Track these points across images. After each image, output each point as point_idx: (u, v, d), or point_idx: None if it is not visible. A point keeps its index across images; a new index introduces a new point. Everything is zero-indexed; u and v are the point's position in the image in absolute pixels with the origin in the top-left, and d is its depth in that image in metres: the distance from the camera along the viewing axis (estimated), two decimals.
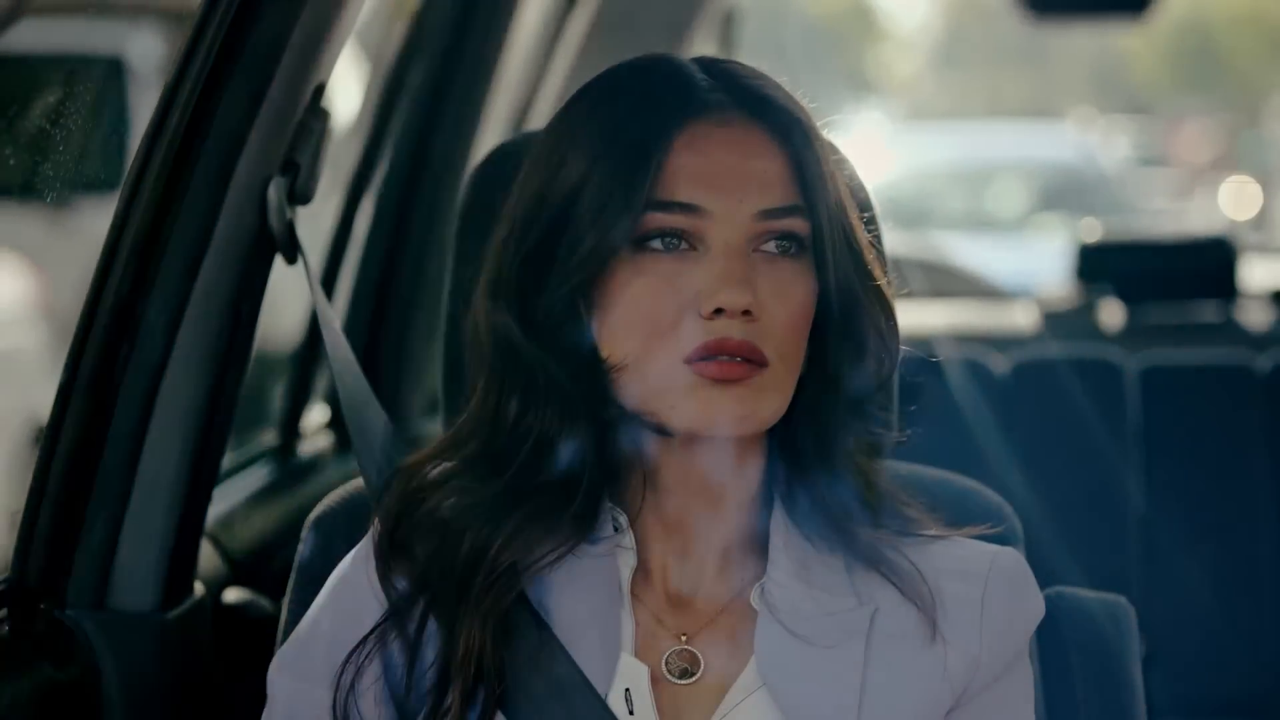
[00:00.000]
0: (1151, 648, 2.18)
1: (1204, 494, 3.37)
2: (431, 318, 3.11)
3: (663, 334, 1.49)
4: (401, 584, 1.55)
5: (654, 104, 1.53)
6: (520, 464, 1.54)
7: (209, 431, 2.05)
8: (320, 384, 3.09)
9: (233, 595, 2.30)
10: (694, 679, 1.54)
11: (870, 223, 1.63)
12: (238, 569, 2.39)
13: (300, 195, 2.05)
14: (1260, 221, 18.15)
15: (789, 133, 1.54)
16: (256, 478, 2.83)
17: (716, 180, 1.51)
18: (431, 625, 1.53)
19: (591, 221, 1.50)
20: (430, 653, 1.53)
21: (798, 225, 1.53)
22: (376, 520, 1.59)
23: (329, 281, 3.05)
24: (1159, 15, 4.59)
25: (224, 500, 2.54)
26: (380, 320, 3.14)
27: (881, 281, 1.58)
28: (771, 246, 1.52)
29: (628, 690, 1.52)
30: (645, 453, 1.55)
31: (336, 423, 3.09)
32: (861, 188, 1.69)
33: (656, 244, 1.51)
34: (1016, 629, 1.58)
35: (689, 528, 1.56)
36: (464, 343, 1.63)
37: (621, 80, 1.56)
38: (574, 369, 1.52)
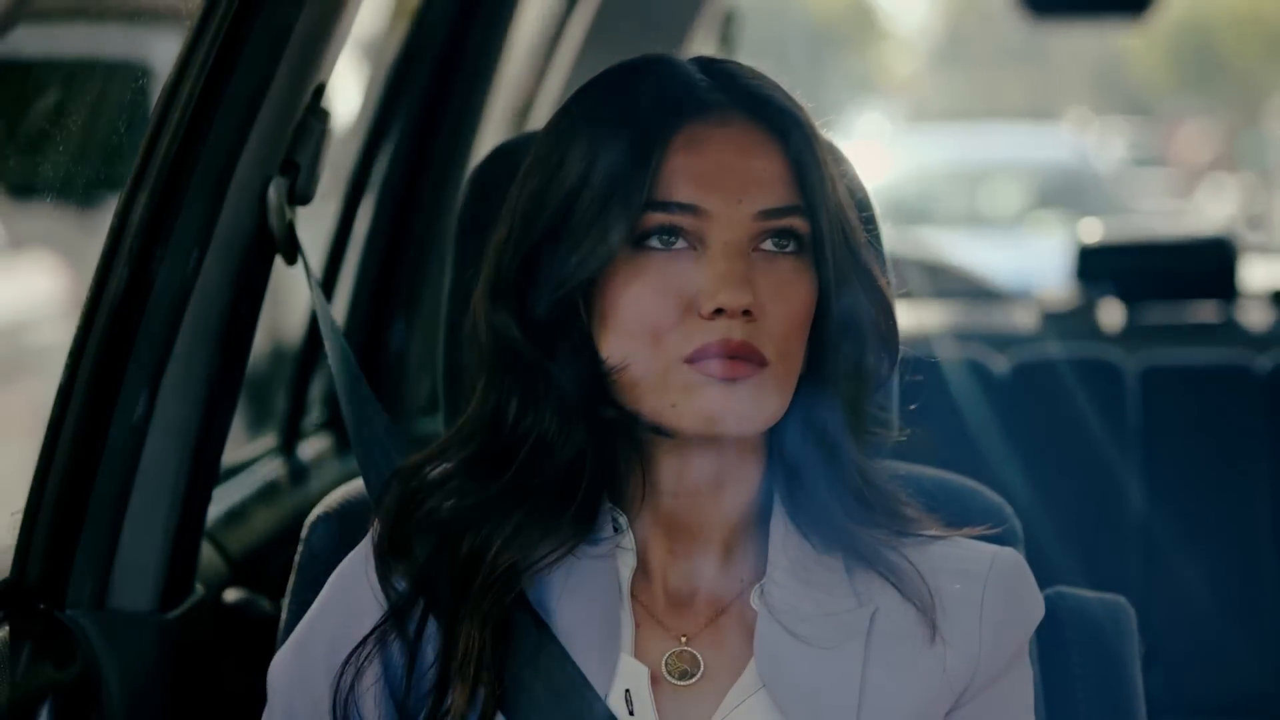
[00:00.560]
0: (1151, 648, 2.17)
1: (1204, 494, 3.37)
2: (431, 318, 3.11)
3: (662, 334, 1.49)
4: (401, 584, 1.55)
5: (653, 104, 1.53)
6: (519, 465, 1.54)
7: (209, 431, 2.05)
8: (320, 384, 3.09)
9: (233, 595, 2.30)
10: (693, 680, 1.54)
11: (869, 223, 1.63)
12: (238, 569, 2.39)
13: (300, 195, 2.05)
14: (1259, 221, 18.19)
15: (788, 133, 1.54)
16: (256, 478, 2.83)
17: (716, 180, 1.51)
18: (431, 626, 1.54)
19: (591, 221, 1.50)
20: (430, 653, 1.53)
21: (797, 225, 1.53)
22: (376, 521, 1.59)
23: (329, 281, 3.05)
24: (1159, 15, 4.59)
25: (224, 500, 2.54)
26: (380, 320, 3.14)
27: (881, 281, 1.58)
28: (770, 246, 1.52)
29: (628, 691, 1.53)
30: (644, 453, 1.55)
31: (336, 423, 3.09)
32: (861, 188, 1.69)
33: (655, 243, 1.51)
34: (1016, 629, 1.58)
35: (688, 528, 1.56)
36: (464, 343, 1.63)
37: (621, 80, 1.56)
38: (573, 369, 1.52)
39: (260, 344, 2.16)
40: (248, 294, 2.06)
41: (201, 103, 1.93)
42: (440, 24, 3.13)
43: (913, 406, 1.75)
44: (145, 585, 2.02)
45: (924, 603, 1.55)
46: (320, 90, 2.07)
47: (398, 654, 1.54)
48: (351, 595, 1.57)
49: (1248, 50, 27.80)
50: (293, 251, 2.03)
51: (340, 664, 1.54)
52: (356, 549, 1.60)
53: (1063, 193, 10.59)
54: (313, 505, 1.81)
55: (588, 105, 1.56)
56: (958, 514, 1.65)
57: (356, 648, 1.54)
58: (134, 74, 1.87)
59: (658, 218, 1.50)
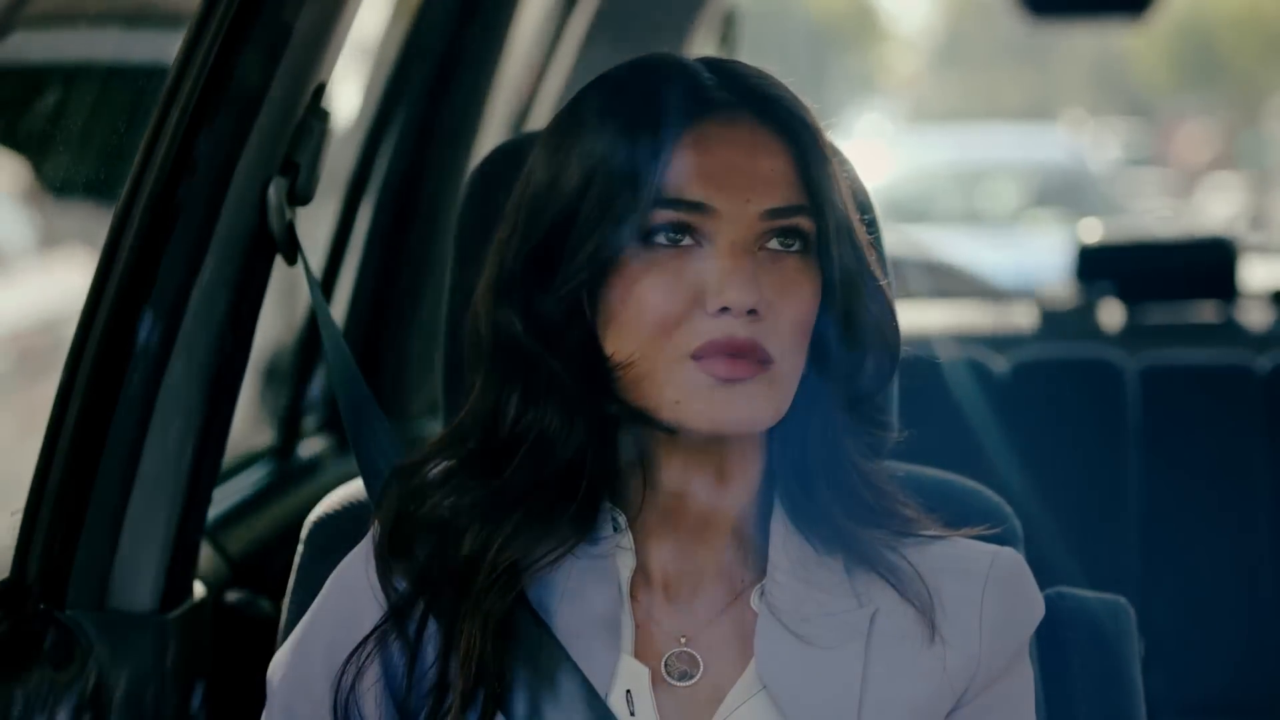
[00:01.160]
0: (1151, 648, 2.17)
1: (1204, 494, 3.37)
2: (431, 318, 3.11)
3: (669, 331, 1.49)
4: (401, 584, 1.55)
5: (661, 102, 1.53)
6: (520, 463, 1.54)
7: (209, 431, 2.05)
8: (319, 384, 3.09)
9: (233, 595, 2.30)
10: (693, 681, 1.54)
11: (870, 224, 1.63)
12: (238, 569, 2.39)
13: (300, 195, 2.05)
14: (1258, 221, 18.23)
15: (795, 132, 1.54)
16: (256, 478, 2.83)
17: (724, 179, 1.51)
18: (431, 626, 1.53)
19: (599, 219, 1.50)
20: (430, 653, 1.53)
21: (803, 224, 1.53)
22: (375, 521, 1.59)
23: (329, 281, 3.05)
24: (1159, 15, 4.59)
25: (224, 500, 2.54)
26: (380, 320, 3.14)
27: (883, 282, 1.58)
28: (776, 245, 1.52)
29: (629, 692, 1.52)
30: (646, 452, 1.55)
31: (336, 423, 3.09)
32: (861, 188, 1.69)
33: (663, 240, 1.51)
34: (1016, 629, 1.58)
35: (689, 528, 1.56)
36: (464, 342, 1.63)
37: (627, 79, 1.56)
38: (577, 366, 1.52)
39: (260, 344, 2.15)
40: (248, 294, 2.06)
41: (201, 103, 1.93)
42: (440, 24, 3.13)
43: (913, 406, 1.75)
44: (145, 585, 2.02)
45: (923, 603, 1.55)
46: (320, 90, 2.07)
47: (398, 654, 1.54)
48: (351, 595, 1.57)
49: (1247, 50, 27.80)
50: (293, 251, 2.03)
51: (340, 664, 1.54)
52: (356, 549, 1.60)
53: (1057, 192, 10.83)
54: (313, 505, 1.81)
55: (595, 103, 1.55)
56: (958, 514, 1.65)
57: (357, 648, 1.54)
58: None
59: (666, 215, 1.50)
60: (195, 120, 1.94)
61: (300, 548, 1.78)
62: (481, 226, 1.79)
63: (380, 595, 1.55)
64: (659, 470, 1.55)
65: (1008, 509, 1.81)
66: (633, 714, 1.52)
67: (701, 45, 4.15)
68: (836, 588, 1.56)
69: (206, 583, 2.17)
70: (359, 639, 1.54)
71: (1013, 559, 1.59)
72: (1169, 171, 24.19)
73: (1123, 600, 1.83)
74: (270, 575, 2.33)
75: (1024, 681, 1.59)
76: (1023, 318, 4.39)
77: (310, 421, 3.11)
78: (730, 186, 1.51)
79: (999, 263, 7.54)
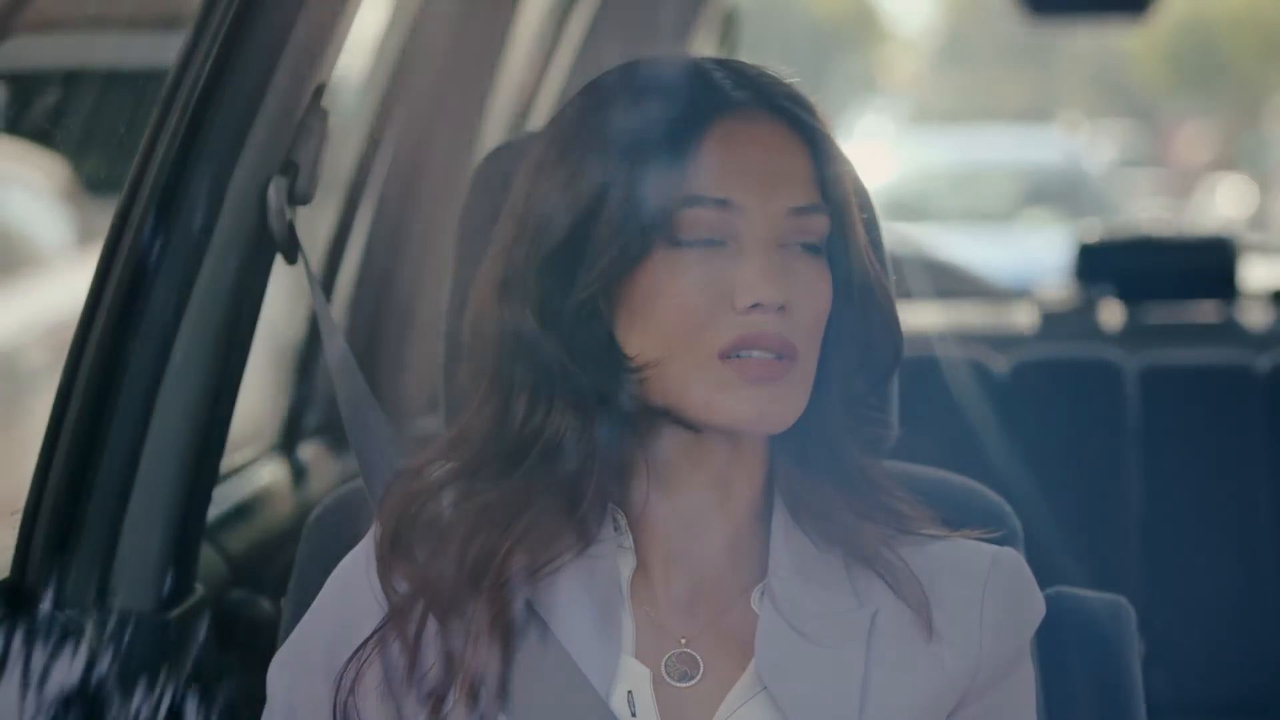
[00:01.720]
0: (1151, 647, 2.17)
1: (1204, 494, 3.37)
2: (431, 318, 3.11)
3: (696, 329, 1.49)
4: (402, 585, 1.54)
5: (685, 100, 1.52)
6: (529, 465, 1.53)
7: (209, 431, 2.05)
8: (320, 384, 3.09)
9: (233, 595, 2.30)
10: (693, 682, 1.54)
11: (870, 224, 1.63)
12: (238, 569, 2.39)
13: (300, 195, 2.05)
14: (1258, 221, 18.28)
15: (811, 131, 1.55)
16: (256, 478, 2.83)
17: (749, 177, 1.51)
18: (432, 626, 1.53)
19: (624, 218, 1.50)
20: (431, 654, 1.52)
21: (821, 224, 1.53)
22: (377, 521, 1.58)
23: (329, 281, 3.05)
24: (1159, 16, 4.59)
25: (224, 500, 2.54)
26: (380, 320, 3.14)
27: (887, 282, 1.59)
28: (795, 243, 1.52)
29: (630, 693, 1.52)
30: (653, 451, 1.54)
31: (336, 423, 3.09)
32: (863, 188, 1.69)
33: (688, 239, 1.51)
34: (1016, 630, 1.57)
35: (691, 528, 1.56)
36: (463, 342, 1.62)
37: (642, 77, 1.56)
38: (594, 367, 1.51)
39: (260, 343, 2.15)
40: (248, 294, 2.06)
41: (201, 103, 1.93)
42: (440, 24, 3.13)
43: (913, 406, 1.75)
44: (145, 585, 2.02)
45: (919, 604, 1.55)
46: (320, 90, 2.07)
47: (398, 655, 1.53)
48: (351, 596, 1.57)
49: (1247, 51, 27.80)
50: (293, 251, 2.03)
51: (340, 665, 1.54)
52: (356, 549, 1.59)
53: (1052, 192, 11.12)
54: (313, 505, 1.81)
55: (607, 102, 1.55)
56: (957, 513, 1.64)
57: (358, 649, 1.54)
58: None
59: (694, 213, 1.50)
60: (195, 120, 1.94)
61: (300, 547, 1.78)
62: (482, 226, 1.79)
63: (381, 596, 1.55)
64: (666, 470, 1.55)
65: (1007, 509, 1.81)
66: (634, 715, 1.52)
67: (701, 45, 4.16)
68: (837, 586, 1.56)
69: (206, 582, 2.17)
70: (359, 640, 1.54)
71: (1013, 559, 1.59)
72: (1166, 172, 24.22)
73: (1123, 600, 1.83)
74: (270, 575, 2.33)
75: (1025, 683, 1.59)
76: (1023, 318, 4.39)
77: (310, 421, 3.11)
78: (756, 185, 1.51)
79: (995, 260, 7.75)
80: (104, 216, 1.94)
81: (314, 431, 3.11)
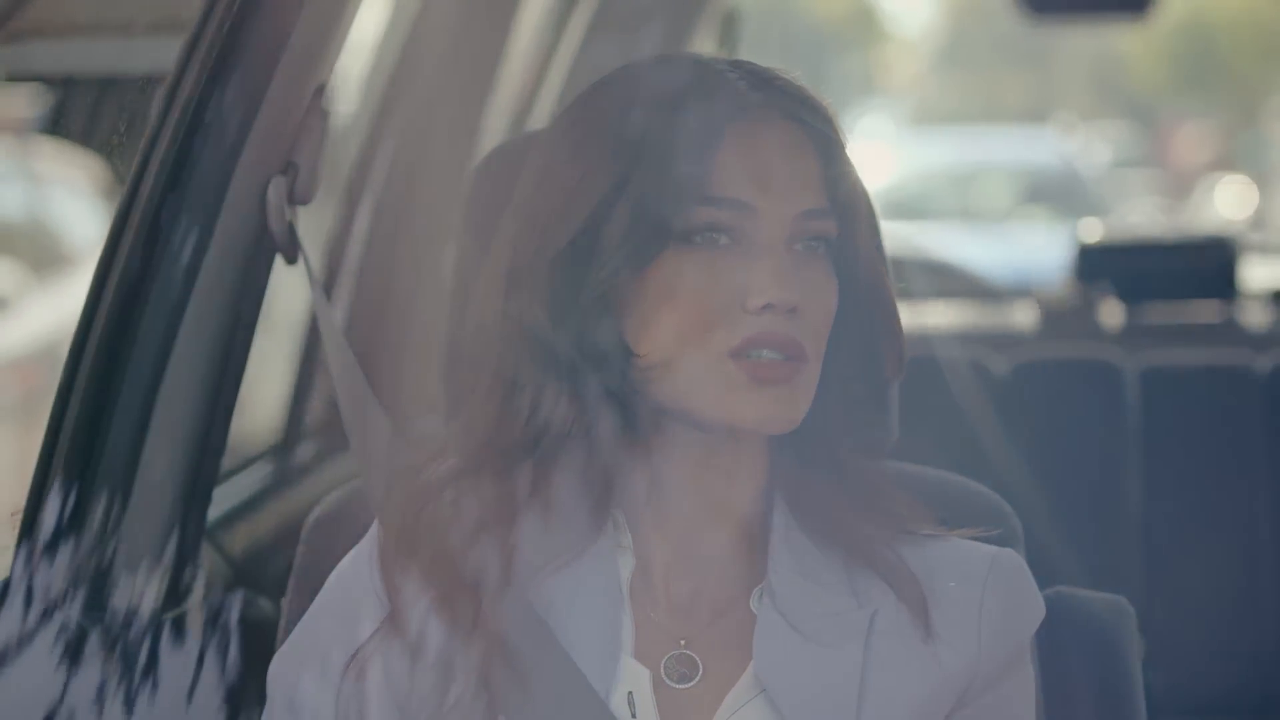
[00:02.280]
0: (1151, 647, 2.17)
1: (1204, 494, 3.37)
2: (431, 318, 3.11)
3: (706, 329, 1.49)
4: (404, 584, 1.54)
5: (700, 102, 1.52)
6: (534, 464, 1.53)
7: (209, 431, 2.05)
8: (320, 383, 3.09)
9: (233, 595, 2.30)
10: (692, 683, 1.54)
11: (873, 227, 1.63)
12: (238, 569, 2.39)
13: (300, 195, 2.05)
14: (1257, 221, 18.34)
15: (822, 135, 1.55)
16: (256, 478, 2.83)
17: (763, 178, 1.51)
18: (433, 625, 1.53)
19: (639, 217, 1.49)
20: (431, 654, 1.53)
21: (830, 228, 1.53)
22: (378, 520, 1.58)
23: (329, 281, 3.05)
24: (1158, 16, 4.59)
25: (224, 500, 2.54)
26: (380, 320, 3.14)
27: (890, 284, 1.59)
28: (802, 247, 1.52)
29: (630, 694, 1.52)
30: (657, 451, 1.54)
31: (336, 423, 3.09)
32: (866, 191, 1.69)
33: (699, 239, 1.51)
34: (1016, 631, 1.57)
35: (691, 528, 1.56)
36: (464, 342, 1.62)
37: (656, 76, 1.56)
38: (602, 364, 1.51)
39: (260, 343, 2.15)
40: (248, 294, 2.06)
41: (201, 103, 1.93)
42: (440, 24, 3.13)
43: (913, 406, 1.75)
44: (145, 585, 2.02)
45: (918, 604, 1.54)
46: (320, 90, 2.07)
47: (399, 654, 1.53)
48: (352, 595, 1.57)
49: (1246, 52, 27.82)
50: (293, 251, 2.03)
51: (342, 664, 1.54)
52: (357, 548, 1.59)
53: (1046, 192, 11.55)
54: (312, 505, 1.81)
55: (625, 98, 1.54)
56: (957, 513, 1.64)
57: (359, 648, 1.54)
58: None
59: (708, 214, 1.50)
60: (195, 120, 1.94)
61: (300, 548, 1.78)
62: (481, 226, 1.79)
63: (381, 595, 1.55)
64: (667, 470, 1.55)
65: (1007, 508, 1.81)
66: (634, 716, 1.52)
67: (701, 45, 4.16)
68: (836, 586, 1.55)
69: (207, 582, 2.17)
70: (360, 639, 1.54)
71: (1013, 560, 1.59)
72: (1162, 172, 24.28)
73: (1123, 600, 1.83)
74: (270, 575, 2.33)
75: (1025, 685, 1.59)
76: (1023, 318, 4.39)
77: (310, 421, 3.11)
78: (769, 186, 1.51)
79: (992, 258, 8.03)
80: None
81: (314, 431, 3.11)
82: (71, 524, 1.96)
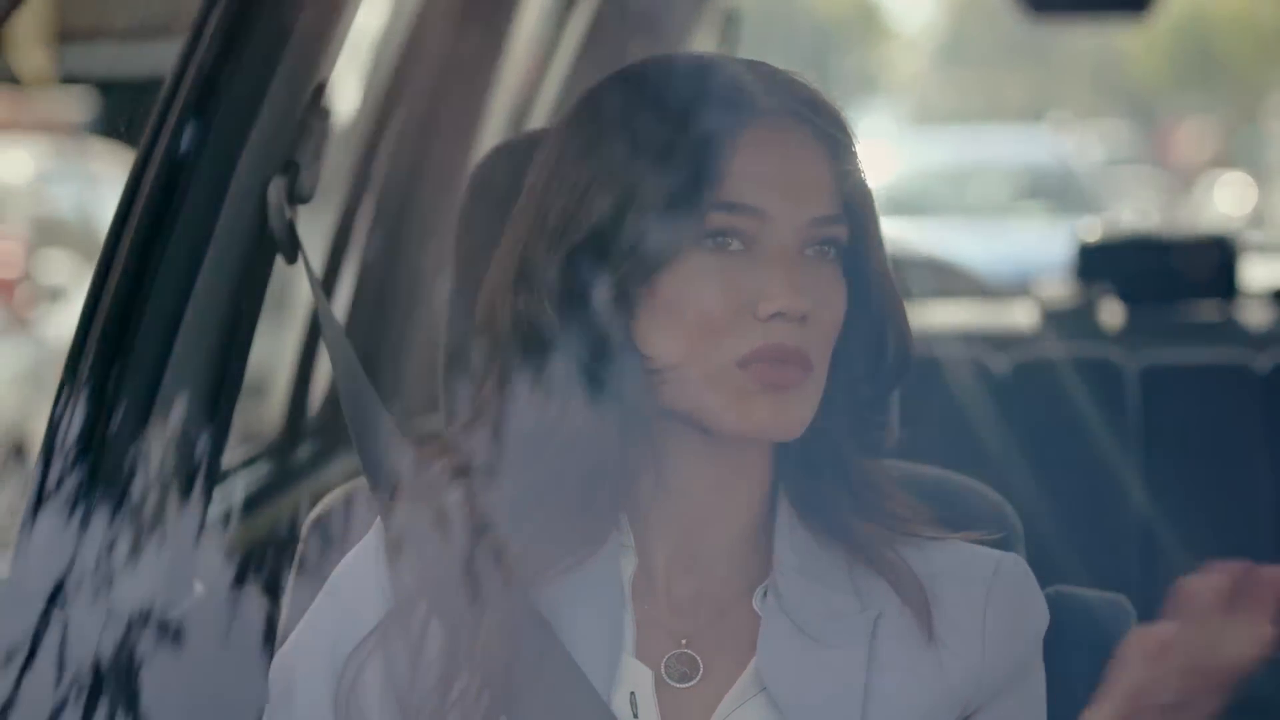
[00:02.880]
0: None
1: (1204, 494, 3.37)
2: (431, 318, 3.11)
3: (716, 335, 1.49)
4: (407, 581, 1.54)
5: (716, 105, 1.52)
6: (542, 464, 1.52)
7: (209, 430, 2.05)
8: (321, 382, 3.09)
9: (233, 595, 2.30)
10: (692, 683, 1.53)
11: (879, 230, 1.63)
12: (238, 569, 2.38)
13: (300, 195, 2.05)
14: (1256, 218, 18.40)
15: (834, 140, 1.54)
16: (256, 477, 2.83)
17: (777, 184, 1.50)
18: (435, 623, 1.53)
19: (652, 220, 1.49)
20: (433, 651, 1.52)
21: (841, 233, 1.53)
22: (380, 518, 1.58)
23: (329, 281, 3.05)
24: (1158, 15, 4.60)
25: (224, 500, 2.54)
26: (381, 319, 3.14)
27: (897, 287, 1.59)
28: (813, 252, 1.52)
29: (633, 694, 1.52)
30: (662, 452, 1.54)
31: (337, 421, 3.09)
32: (871, 195, 1.68)
33: (710, 244, 1.50)
34: (1021, 637, 1.57)
35: (694, 528, 1.55)
36: (465, 341, 1.62)
37: (670, 76, 1.54)
38: (611, 366, 1.51)
39: (261, 343, 2.15)
40: (248, 294, 2.06)
41: (201, 102, 1.93)
42: (440, 24, 3.13)
43: (913, 406, 1.75)
44: (145, 585, 2.02)
45: (923, 607, 1.54)
46: (320, 89, 2.07)
47: (401, 652, 1.53)
48: (354, 593, 1.56)
49: (1245, 49, 27.84)
50: (293, 250, 2.03)
51: (343, 662, 1.54)
52: (359, 546, 1.59)
53: (1041, 190, 11.97)
54: (313, 505, 1.81)
55: (639, 99, 1.53)
56: (957, 513, 1.64)
57: (360, 644, 1.53)
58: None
59: (722, 219, 1.50)
60: (195, 120, 1.94)
61: (300, 547, 1.78)
62: (481, 226, 1.79)
63: (383, 592, 1.54)
64: (672, 471, 1.54)
65: (1008, 508, 1.81)
66: (635, 716, 1.51)
67: (702, 45, 4.16)
68: (840, 587, 1.55)
69: (206, 582, 2.17)
70: (362, 635, 1.53)
71: (1017, 565, 1.59)
72: (1159, 170, 24.33)
73: (1123, 599, 1.82)
74: (270, 575, 2.33)
75: (1036, 699, 1.58)
76: (1023, 317, 4.39)
77: (311, 420, 3.11)
78: (783, 192, 1.50)
79: (988, 252, 8.40)
80: None
81: (314, 430, 3.11)
82: (72, 522, 1.96)
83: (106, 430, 1.97)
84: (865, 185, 1.56)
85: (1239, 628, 1.48)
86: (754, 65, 1.57)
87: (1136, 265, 4.32)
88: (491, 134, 3.31)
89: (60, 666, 1.91)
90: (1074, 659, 1.78)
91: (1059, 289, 4.67)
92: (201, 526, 2.11)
